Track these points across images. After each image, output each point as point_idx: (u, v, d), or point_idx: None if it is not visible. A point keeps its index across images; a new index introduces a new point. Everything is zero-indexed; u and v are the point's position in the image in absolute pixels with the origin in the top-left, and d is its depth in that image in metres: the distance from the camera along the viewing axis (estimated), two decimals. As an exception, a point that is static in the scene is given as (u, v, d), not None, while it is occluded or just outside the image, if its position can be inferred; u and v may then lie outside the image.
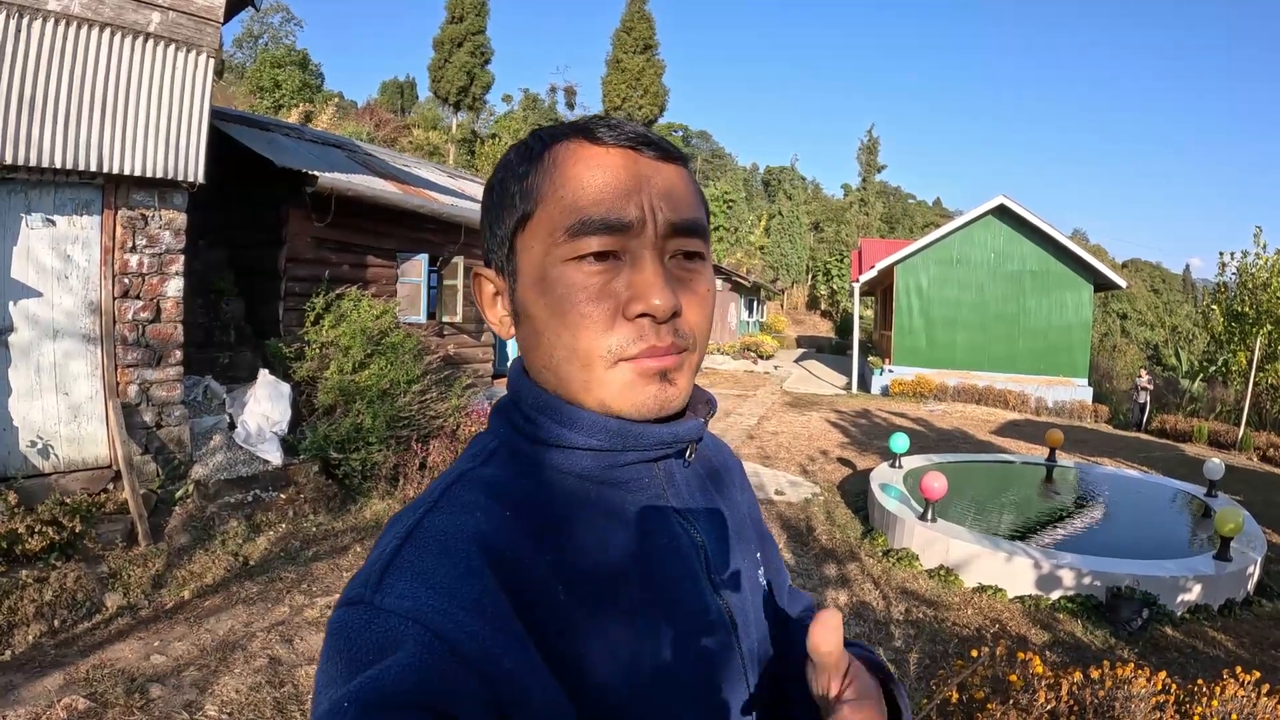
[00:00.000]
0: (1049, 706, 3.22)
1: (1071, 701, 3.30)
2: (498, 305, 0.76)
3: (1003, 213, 19.13)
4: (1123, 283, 19.76)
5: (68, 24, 5.29)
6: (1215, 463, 8.20)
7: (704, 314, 0.73)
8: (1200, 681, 3.37)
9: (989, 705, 3.30)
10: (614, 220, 0.67)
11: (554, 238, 0.68)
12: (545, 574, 0.63)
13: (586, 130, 0.71)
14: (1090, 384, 19.15)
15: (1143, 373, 17.63)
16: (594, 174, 0.68)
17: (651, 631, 0.67)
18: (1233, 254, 17.52)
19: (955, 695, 3.51)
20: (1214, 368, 19.48)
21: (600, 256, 0.68)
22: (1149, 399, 17.27)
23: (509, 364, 0.81)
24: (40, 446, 5.50)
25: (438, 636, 0.54)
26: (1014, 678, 3.40)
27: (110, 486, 5.73)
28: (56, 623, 4.37)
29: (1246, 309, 16.55)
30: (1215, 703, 3.13)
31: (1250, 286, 16.58)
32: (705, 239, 0.74)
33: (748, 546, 0.87)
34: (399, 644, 0.54)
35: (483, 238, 0.78)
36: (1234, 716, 3.07)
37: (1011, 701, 3.30)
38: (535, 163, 0.71)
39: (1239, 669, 3.34)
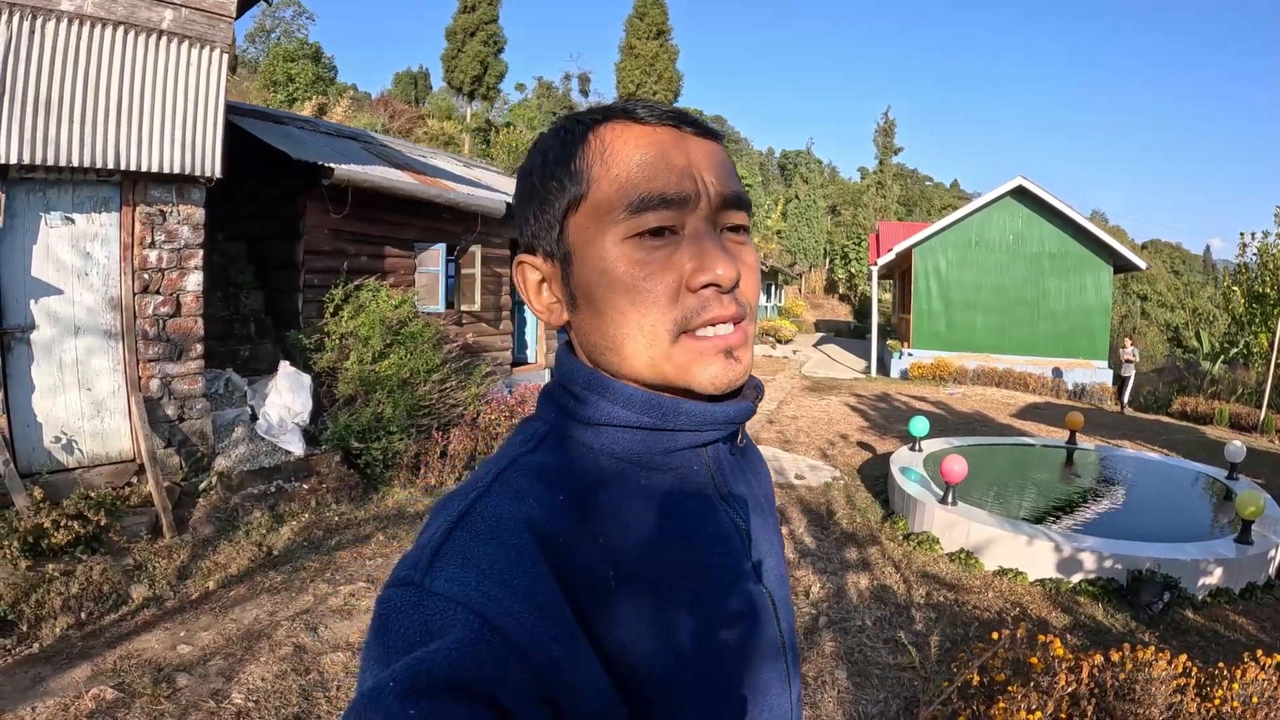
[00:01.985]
0: (1069, 689, 3.21)
1: (1092, 684, 3.30)
2: (544, 292, 0.76)
3: (1021, 194, 18.95)
4: (1142, 264, 19.57)
5: (81, 24, 5.33)
6: (1236, 445, 8.12)
7: (756, 284, 0.74)
8: (1221, 665, 3.36)
9: (1010, 687, 3.30)
10: (672, 194, 0.68)
11: (612, 216, 0.68)
12: (596, 559, 0.63)
13: (626, 111, 0.72)
14: (1110, 366, 18.98)
15: (1127, 342, 16.76)
16: (646, 151, 0.69)
17: (699, 617, 0.68)
18: (1253, 234, 17.25)
19: (976, 678, 3.51)
20: (1235, 350, 19.24)
21: (657, 233, 0.68)
22: (1134, 372, 16.51)
23: (556, 348, 0.80)
24: (64, 442, 5.57)
25: (486, 622, 0.54)
26: (1035, 660, 3.40)
27: (134, 480, 5.80)
28: (83, 615, 4.43)
29: (1268, 290, 16.33)
30: (1236, 685, 3.12)
31: (1271, 267, 16.33)
32: (749, 211, 0.75)
33: (777, 532, 0.88)
34: (447, 628, 0.54)
35: (523, 224, 0.77)
36: (1254, 699, 3.06)
37: (1032, 684, 3.30)
38: (580, 145, 0.71)
39: (1260, 652, 3.33)
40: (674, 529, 0.70)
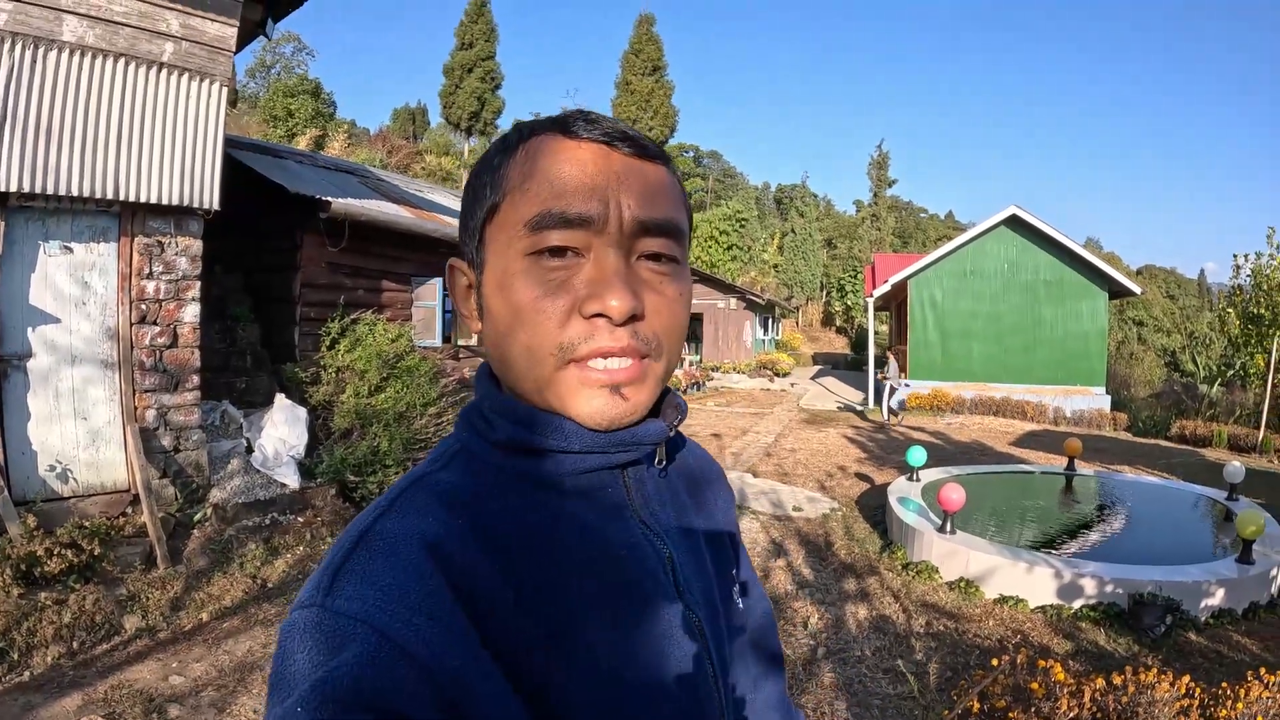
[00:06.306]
0: (1072, 714, 3.19)
1: (1095, 708, 3.27)
2: (470, 298, 0.75)
3: (1015, 223, 19.04)
4: (1137, 289, 19.61)
5: (83, 54, 5.38)
6: (1235, 466, 8.09)
7: (672, 319, 0.71)
8: (1225, 685, 3.33)
9: (1011, 714, 3.28)
10: (574, 215, 0.65)
11: (516, 230, 0.67)
12: (496, 581, 0.62)
13: (563, 124, 0.69)
14: (1108, 392, 19.00)
15: (889, 355, 16.11)
16: (561, 167, 0.66)
17: (611, 643, 0.66)
18: (1246, 256, 17.31)
19: (977, 705, 3.48)
20: (1231, 372, 19.23)
21: (558, 252, 0.66)
22: (891, 386, 15.90)
23: (479, 367, 0.78)
24: (59, 471, 5.55)
25: (385, 637, 0.54)
26: (1036, 686, 3.37)
27: (129, 510, 5.77)
28: (75, 644, 4.38)
29: (1263, 311, 16.35)
30: (1240, 705, 3.09)
31: (1266, 288, 16.36)
32: (679, 240, 0.72)
33: (724, 560, 0.86)
34: (346, 645, 0.54)
35: (460, 230, 0.76)
36: (1259, 718, 3.03)
37: (1034, 709, 3.27)
38: (509, 154, 0.70)
39: (1264, 670, 3.30)
40: (581, 553, 0.68)
